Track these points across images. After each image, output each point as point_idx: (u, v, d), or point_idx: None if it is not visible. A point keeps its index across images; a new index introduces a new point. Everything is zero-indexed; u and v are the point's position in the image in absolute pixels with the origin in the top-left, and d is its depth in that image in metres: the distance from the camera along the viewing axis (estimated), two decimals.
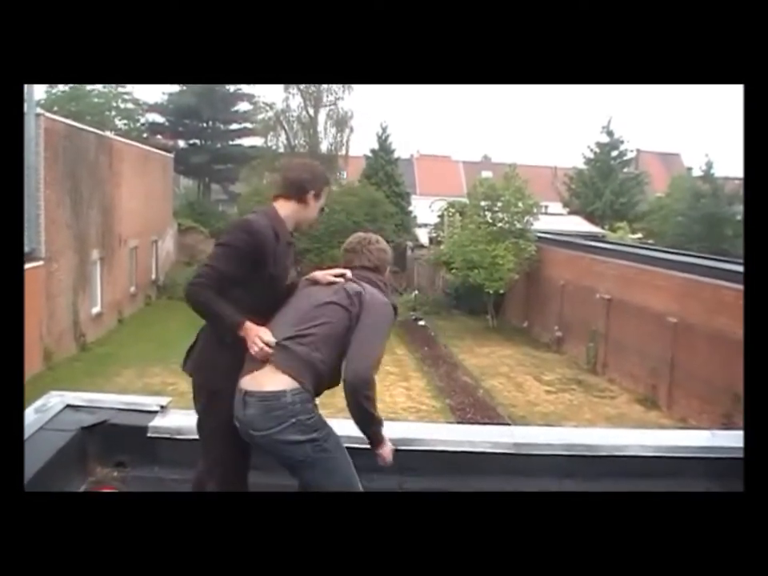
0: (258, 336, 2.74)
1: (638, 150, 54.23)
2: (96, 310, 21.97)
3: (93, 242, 21.62)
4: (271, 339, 2.74)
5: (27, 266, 16.76)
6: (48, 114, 18.72)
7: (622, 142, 43.41)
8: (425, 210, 34.48)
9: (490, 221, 24.06)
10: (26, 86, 14.66)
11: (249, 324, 2.76)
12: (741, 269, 13.60)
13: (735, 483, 4.02)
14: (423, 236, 32.93)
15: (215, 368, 2.86)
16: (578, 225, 33.16)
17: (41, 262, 17.72)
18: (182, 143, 40.56)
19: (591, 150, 43.67)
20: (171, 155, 33.66)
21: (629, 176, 44.04)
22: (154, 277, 29.48)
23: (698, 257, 20.57)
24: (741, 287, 13.09)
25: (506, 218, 23.83)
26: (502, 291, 23.69)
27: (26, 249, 17.16)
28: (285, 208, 3.01)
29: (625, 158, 44.40)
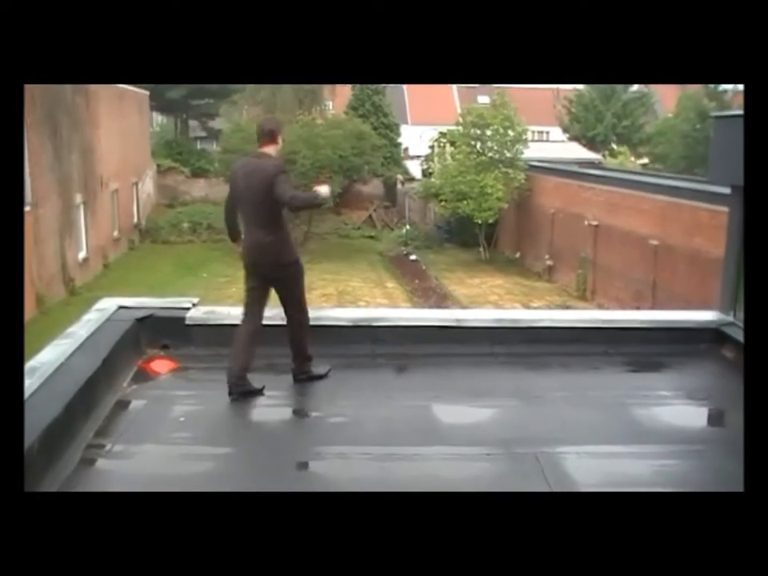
0: (323, 190, 5.06)
1: None
2: (82, 254, 23.57)
3: (75, 185, 23.12)
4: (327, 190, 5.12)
5: None
6: None
7: None
8: (417, 141, 35.77)
9: (480, 150, 25.63)
10: None
11: (317, 189, 5.05)
12: (719, 189, 15.25)
13: (626, 347, 6.01)
14: (416, 168, 33.84)
15: (294, 250, 5.24)
16: (575, 152, 34.47)
17: (27, 208, 19.30)
18: None
19: None
20: (146, 93, 34.75)
21: (633, 96, 44.29)
22: (136, 220, 30.86)
23: (681, 179, 22.41)
24: (716, 207, 14.91)
25: (495, 147, 25.42)
26: (491, 221, 25.46)
27: None
28: (270, 149, 5.09)
29: None
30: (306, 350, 5.37)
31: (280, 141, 5.15)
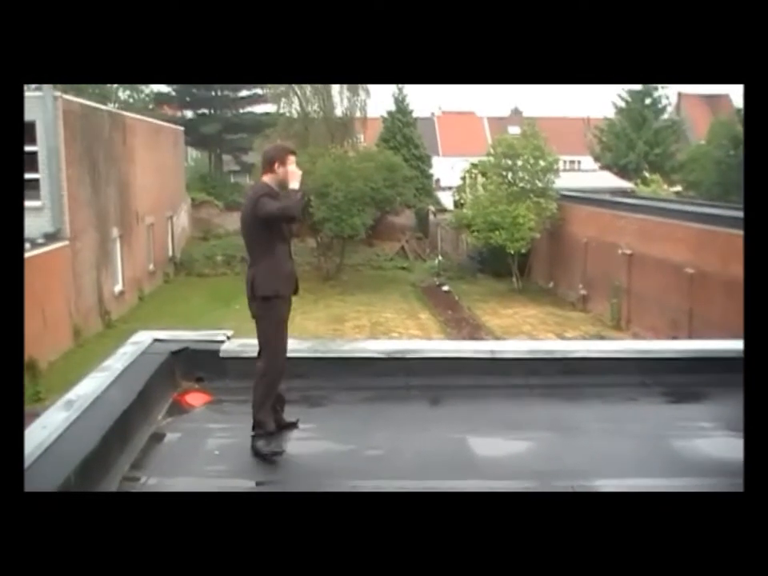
0: (293, 180, 4.62)
1: (680, 94, 54.53)
2: (118, 287, 23.91)
3: (112, 219, 23.54)
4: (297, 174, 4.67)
5: (54, 246, 18.81)
6: (65, 96, 20.49)
7: (656, 89, 43.67)
8: (448, 172, 35.94)
9: (511, 180, 25.65)
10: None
11: (290, 186, 4.62)
12: None
13: (663, 378, 5.91)
14: (448, 199, 34.05)
15: (272, 285, 4.64)
16: (607, 180, 34.34)
17: (66, 242, 19.65)
18: (189, 114, 41.94)
19: (622, 99, 44.09)
20: (181, 128, 35.36)
21: (664, 124, 44.40)
22: (170, 254, 31.30)
23: (716, 206, 22.18)
24: None
25: (527, 177, 25.43)
26: (523, 251, 25.41)
27: (52, 229, 19.16)
28: (267, 178, 4.70)
29: (660, 106, 44.83)
30: (258, 408, 4.68)
31: (278, 169, 4.66)
